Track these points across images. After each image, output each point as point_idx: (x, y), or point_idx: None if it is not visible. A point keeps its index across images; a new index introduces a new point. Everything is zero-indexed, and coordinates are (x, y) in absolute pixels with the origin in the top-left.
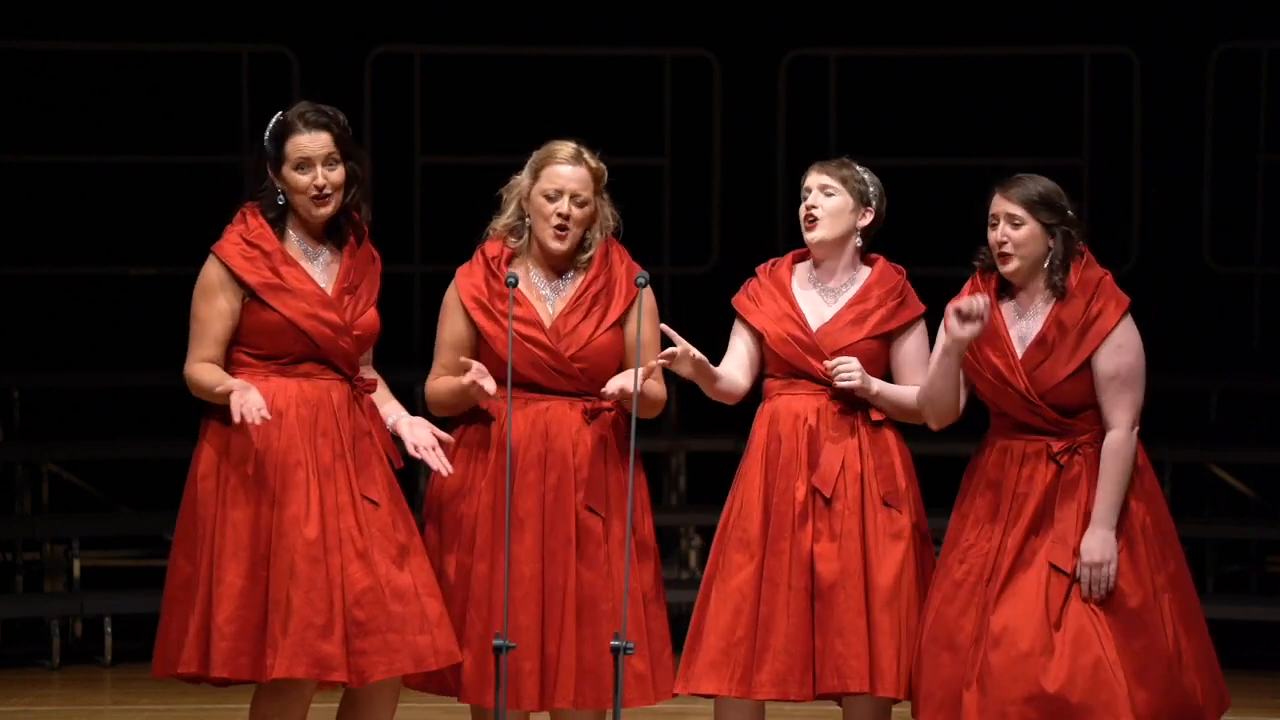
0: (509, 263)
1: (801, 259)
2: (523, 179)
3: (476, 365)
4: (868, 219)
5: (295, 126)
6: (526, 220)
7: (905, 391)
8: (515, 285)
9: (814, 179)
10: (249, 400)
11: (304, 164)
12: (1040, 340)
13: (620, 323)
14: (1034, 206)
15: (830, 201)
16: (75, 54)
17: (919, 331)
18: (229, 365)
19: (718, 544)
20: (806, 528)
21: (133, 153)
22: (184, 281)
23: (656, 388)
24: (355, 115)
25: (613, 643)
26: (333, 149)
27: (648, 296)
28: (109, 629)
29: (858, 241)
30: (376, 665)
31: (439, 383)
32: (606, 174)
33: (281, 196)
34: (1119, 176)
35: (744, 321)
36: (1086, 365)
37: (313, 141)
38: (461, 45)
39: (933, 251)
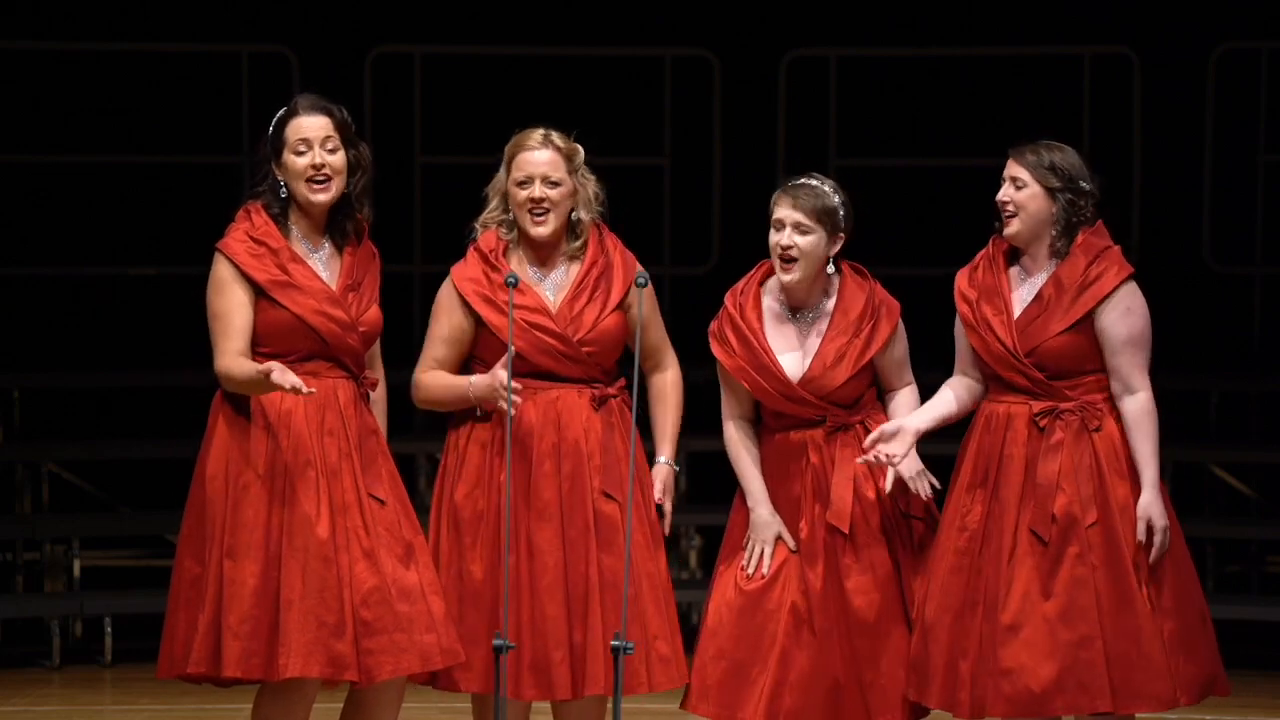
0: (505, 254)
1: (769, 276)
2: (500, 173)
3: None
4: (838, 245)
5: (295, 111)
6: (511, 214)
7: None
8: (515, 285)
9: (788, 213)
10: (290, 379)
11: (303, 145)
12: (1038, 297)
13: (621, 306)
14: (1040, 171)
15: (806, 240)
16: (75, 54)
17: (898, 339)
18: None
19: (718, 563)
20: (817, 567)
21: (133, 153)
22: (184, 281)
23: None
24: (355, 115)
25: (613, 643)
26: (332, 133)
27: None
28: (109, 629)
29: (830, 269)
30: (383, 665)
31: (436, 377)
32: (580, 152)
33: (284, 189)
34: (1119, 176)
35: (725, 370)
36: (1080, 327)
37: (312, 123)
38: (461, 45)
39: (932, 251)
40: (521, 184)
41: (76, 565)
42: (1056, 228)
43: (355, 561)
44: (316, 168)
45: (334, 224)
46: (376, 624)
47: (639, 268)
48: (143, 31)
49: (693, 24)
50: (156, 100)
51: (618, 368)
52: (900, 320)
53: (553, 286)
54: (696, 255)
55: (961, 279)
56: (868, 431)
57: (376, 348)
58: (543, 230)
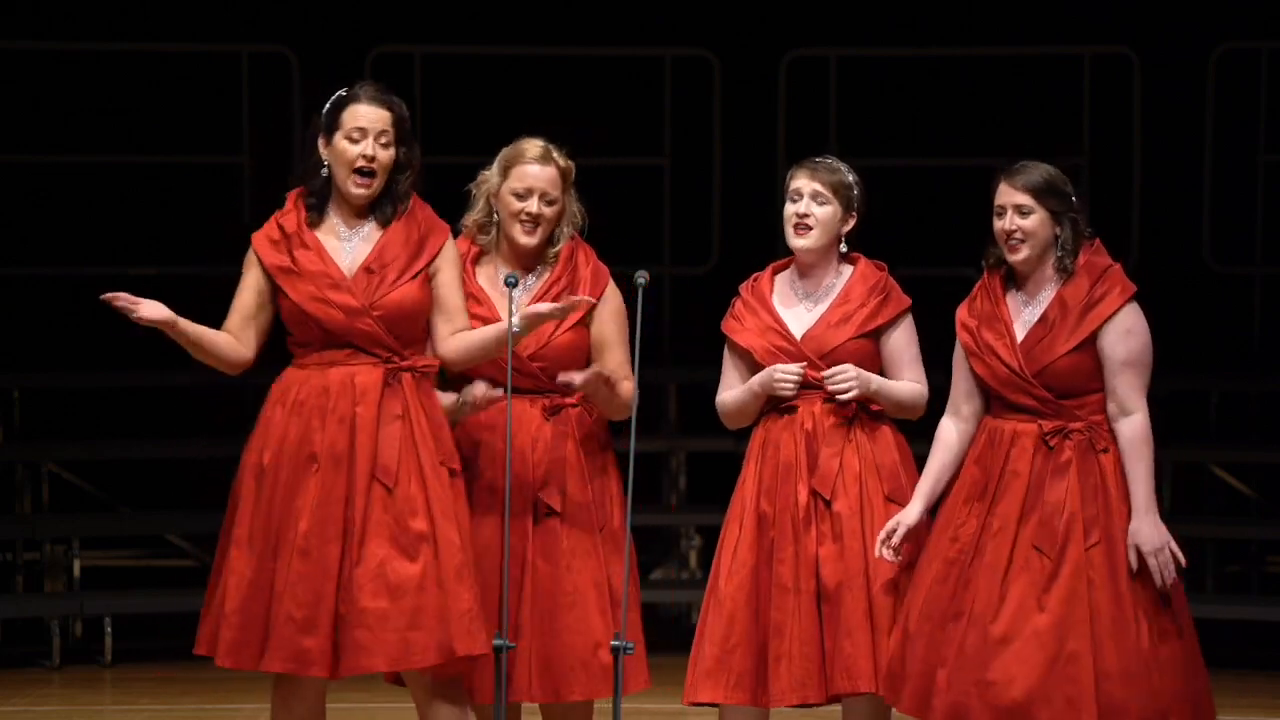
0: (475, 261)
1: (780, 270)
2: (492, 175)
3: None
4: (851, 224)
5: (357, 97)
6: (495, 217)
7: (903, 387)
8: (515, 286)
9: (806, 184)
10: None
11: (357, 133)
12: (1043, 318)
13: (585, 323)
14: (1041, 194)
15: (823, 210)
16: (75, 54)
17: (905, 326)
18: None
19: (717, 553)
20: (810, 532)
21: (133, 153)
22: (184, 281)
23: (626, 387)
24: None
25: (613, 643)
26: (388, 128)
27: (614, 296)
28: (109, 629)
29: (842, 247)
30: (345, 662)
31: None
32: (573, 171)
33: (325, 169)
34: (1119, 176)
35: (734, 346)
36: (1085, 347)
37: (371, 114)
38: (461, 45)
39: (933, 251)
40: (520, 195)
41: (76, 565)
42: (1062, 248)
43: (347, 553)
44: (367, 159)
45: (376, 207)
46: (349, 618)
47: (605, 270)
48: (143, 31)
49: (693, 24)
50: (156, 100)
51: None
52: (910, 316)
53: (526, 295)
54: (696, 255)
55: (961, 311)
56: (867, 418)
57: (438, 324)
58: (531, 241)
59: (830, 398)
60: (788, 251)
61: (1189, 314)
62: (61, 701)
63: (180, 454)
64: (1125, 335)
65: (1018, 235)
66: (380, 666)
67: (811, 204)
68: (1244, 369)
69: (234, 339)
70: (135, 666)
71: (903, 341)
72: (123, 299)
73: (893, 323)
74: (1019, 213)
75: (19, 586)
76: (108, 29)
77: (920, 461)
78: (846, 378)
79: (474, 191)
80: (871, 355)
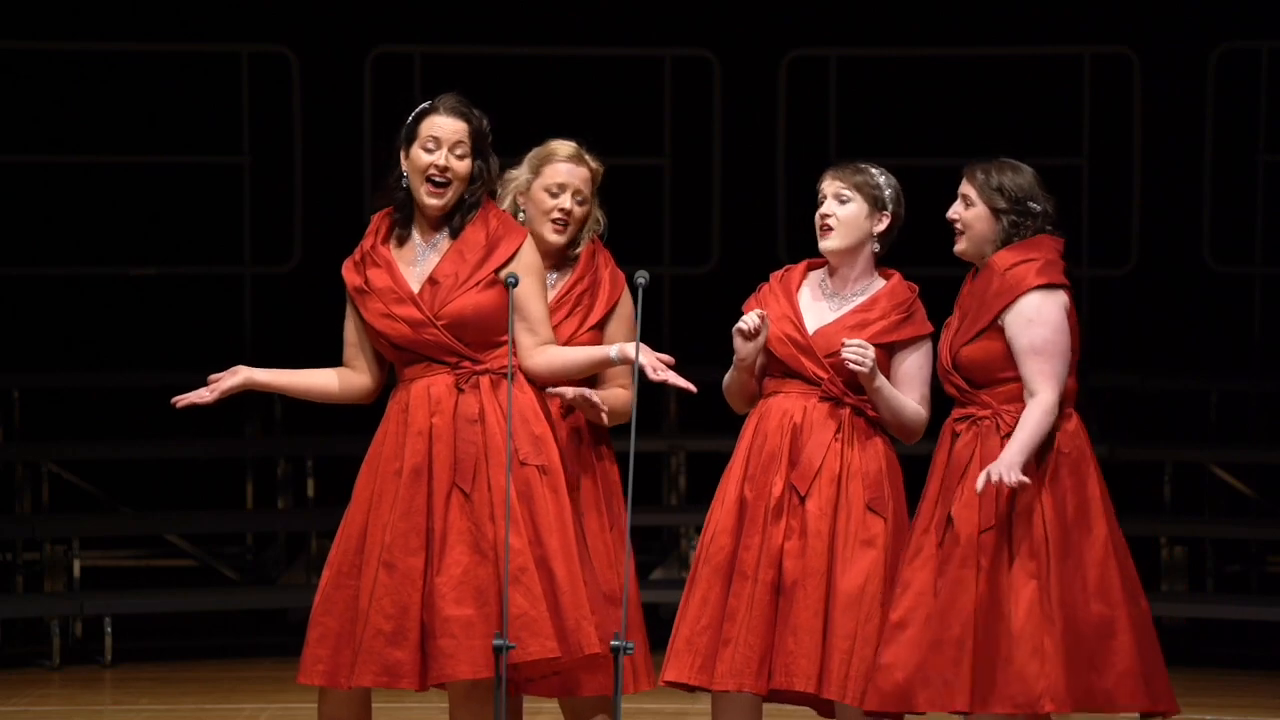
0: None
1: (815, 267)
2: (520, 174)
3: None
4: (884, 224)
5: (436, 108)
6: (521, 215)
7: (906, 400)
8: (515, 285)
9: (829, 185)
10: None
11: (432, 143)
12: (959, 308)
13: (600, 325)
14: (987, 191)
15: (845, 209)
16: (75, 54)
17: (922, 351)
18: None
19: (700, 537)
20: (780, 523)
21: (133, 153)
22: (184, 281)
23: (624, 394)
24: (355, 115)
25: (613, 643)
26: (464, 139)
27: (627, 303)
28: (109, 629)
29: (874, 247)
30: (431, 670)
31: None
32: (602, 174)
33: (405, 181)
34: (1119, 176)
35: None
36: (987, 335)
37: (447, 124)
38: (461, 45)
39: (932, 252)
40: (553, 193)
41: (76, 565)
42: (997, 246)
43: (430, 563)
44: (440, 169)
45: (449, 219)
46: (433, 627)
47: (622, 275)
48: (143, 31)
49: (693, 24)
50: (156, 100)
51: (593, 379)
52: (929, 343)
53: (549, 294)
54: (696, 255)
55: None
56: (858, 424)
57: (521, 335)
58: (559, 239)
59: (824, 396)
60: (787, 252)
61: (1189, 314)
62: (61, 701)
63: (180, 454)
64: (1027, 324)
65: (958, 225)
66: (465, 674)
67: (834, 204)
68: (1244, 369)
69: (344, 370)
70: (135, 666)
71: (915, 365)
72: (193, 396)
73: (909, 344)
74: (963, 202)
75: (19, 586)
76: (108, 29)
77: (905, 466)
78: (865, 352)
79: (499, 191)
80: (882, 367)
